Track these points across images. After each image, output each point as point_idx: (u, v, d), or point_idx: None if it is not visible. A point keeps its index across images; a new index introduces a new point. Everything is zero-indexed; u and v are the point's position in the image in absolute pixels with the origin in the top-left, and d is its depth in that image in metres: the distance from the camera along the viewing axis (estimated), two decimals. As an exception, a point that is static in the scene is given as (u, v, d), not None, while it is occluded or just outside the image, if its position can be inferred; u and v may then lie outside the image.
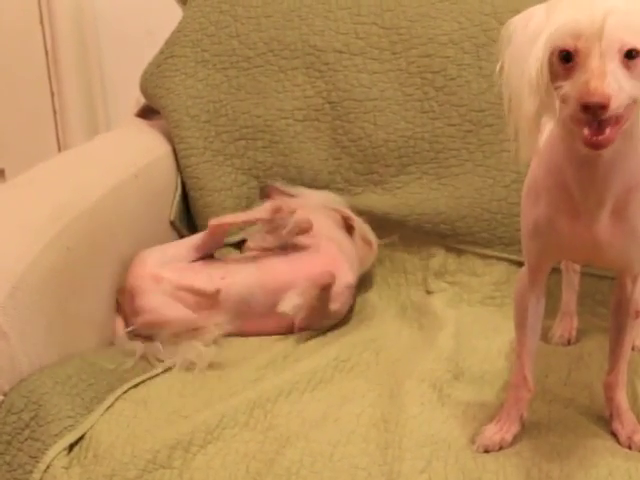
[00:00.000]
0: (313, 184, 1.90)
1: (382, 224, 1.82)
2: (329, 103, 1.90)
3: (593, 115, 0.98)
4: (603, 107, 0.97)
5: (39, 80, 2.44)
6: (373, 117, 1.86)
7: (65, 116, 2.44)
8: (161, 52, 2.01)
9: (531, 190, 1.18)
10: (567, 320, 1.57)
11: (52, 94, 2.45)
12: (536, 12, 1.07)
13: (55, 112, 2.46)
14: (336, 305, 1.64)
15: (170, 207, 1.89)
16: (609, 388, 1.25)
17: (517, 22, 1.08)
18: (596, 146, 1.01)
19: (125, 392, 1.41)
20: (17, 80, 2.46)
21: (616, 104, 0.98)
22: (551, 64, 1.03)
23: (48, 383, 1.36)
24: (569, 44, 1.01)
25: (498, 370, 1.42)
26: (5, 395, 1.34)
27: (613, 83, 0.98)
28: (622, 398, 1.24)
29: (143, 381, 1.45)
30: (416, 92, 1.85)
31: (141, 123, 2.07)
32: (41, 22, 2.39)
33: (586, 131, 1.00)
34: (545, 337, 1.54)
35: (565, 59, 1.02)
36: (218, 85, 1.96)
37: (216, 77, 1.96)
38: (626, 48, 1.00)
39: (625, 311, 1.23)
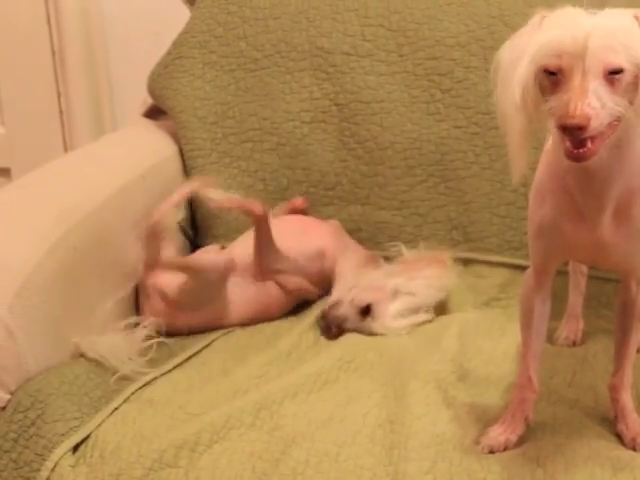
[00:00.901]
0: (320, 186, 1.90)
1: (395, 235, 1.83)
2: (336, 105, 1.90)
3: (571, 135, 1.00)
4: (581, 128, 0.99)
5: (46, 80, 2.45)
6: (380, 119, 1.86)
7: (72, 116, 2.44)
8: (169, 53, 2.01)
9: (537, 192, 1.19)
10: (573, 322, 1.58)
11: (59, 94, 2.45)
12: (520, 36, 1.09)
13: (62, 112, 2.47)
14: (304, 263, 1.71)
15: (176, 208, 1.89)
16: (614, 390, 1.26)
17: (506, 45, 1.10)
18: (577, 159, 1.02)
19: (132, 393, 1.41)
20: (24, 80, 2.46)
21: (596, 124, 0.99)
22: (540, 79, 1.04)
23: (55, 383, 1.36)
24: (552, 63, 1.02)
25: (503, 371, 1.42)
26: (12, 394, 1.35)
27: (594, 102, 0.99)
28: (627, 400, 1.25)
29: (149, 382, 1.46)
30: (423, 94, 1.85)
31: (148, 124, 2.07)
32: (48, 22, 2.40)
33: (567, 144, 1.02)
34: (550, 338, 1.54)
35: (551, 74, 1.03)
36: (226, 87, 1.96)
37: (224, 79, 1.96)
38: (609, 68, 1.01)
39: (630, 313, 1.24)
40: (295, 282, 1.72)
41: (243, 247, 1.72)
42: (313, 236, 1.75)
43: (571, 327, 1.57)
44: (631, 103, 1.02)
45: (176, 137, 1.98)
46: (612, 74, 1.01)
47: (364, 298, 1.63)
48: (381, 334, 1.60)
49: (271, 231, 1.68)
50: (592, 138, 1.01)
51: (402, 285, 1.65)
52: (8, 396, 1.34)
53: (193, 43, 1.98)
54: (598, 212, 1.11)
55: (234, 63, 1.96)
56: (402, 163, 1.84)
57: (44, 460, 1.28)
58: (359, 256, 1.79)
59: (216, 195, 1.68)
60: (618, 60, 1.01)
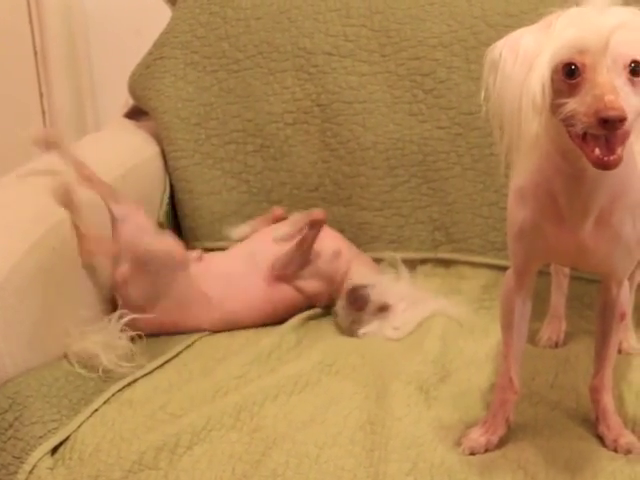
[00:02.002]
0: (303, 187, 1.90)
1: (377, 235, 1.83)
2: (318, 106, 1.90)
3: (611, 129, 0.97)
4: (621, 120, 0.97)
5: (28, 80, 2.43)
6: (362, 119, 1.86)
7: (54, 117, 2.43)
8: (150, 53, 2.00)
9: (517, 194, 1.18)
10: (555, 323, 1.57)
11: (41, 94, 2.44)
12: (524, 35, 1.06)
13: (44, 112, 2.45)
14: (322, 265, 1.69)
15: (158, 209, 1.88)
16: (595, 391, 1.25)
17: (504, 47, 1.07)
18: (607, 166, 1.00)
19: (113, 395, 1.41)
20: (6, 80, 2.45)
21: (630, 118, 0.98)
22: (552, 82, 1.02)
23: (34, 385, 1.35)
24: (576, 59, 1.00)
25: (485, 372, 1.42)
26: (-11, 395, 1.34)
27: (624, 98, 0.98)
28: (608, 401, 1.24)
29: (129, 383, 1.45)
30: (405, 94, 1.85)
31: (129, 124, 2.07)
32: (30, 22, 2.39)
33: (597, 151, 0.99)
34: (533, 340, 1.54)
35: (569, 75, 1.01)
36: (208, 88, 1.95)
37: (206, 79, 1.96)
38: (630, 59, 1.00)
39: (611, 314, 1.23)
40: (314, 286, 1.71)
41: (262, 246, 1.71)
42: (327, 239, 1.73)
43: (553, 328, 1.57)
44: None
45: (158, 138, 1.97)
46: (633, 74, 1.00)
47: (386, 298, 1.63)
48: (383, 334, 1.60)
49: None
50: (619, 142, 0.99)
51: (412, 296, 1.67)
52: (-15, 397, 1.33)
53: (175, 43, 1.97)
54: (581, 217, 1.11)
55: (216, 64, 1.96)
56: (384, 164, 1.84)
57: (22, 463, 1.27)
58: (368, 258, 1.80)
59: (282, 233, 1.68)
60: (639, 55, 1.00)
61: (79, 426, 1.32)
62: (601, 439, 1.23)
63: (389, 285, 1.68)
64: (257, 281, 1.69)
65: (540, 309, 1.55)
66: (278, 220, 1.82)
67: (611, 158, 0.99)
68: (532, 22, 1.75)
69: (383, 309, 1.63)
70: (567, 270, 1.59)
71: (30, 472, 1.26)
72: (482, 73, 1.09)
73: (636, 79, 1.00)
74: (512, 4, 1.82)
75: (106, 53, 2.42)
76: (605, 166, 1.00)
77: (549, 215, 1.13)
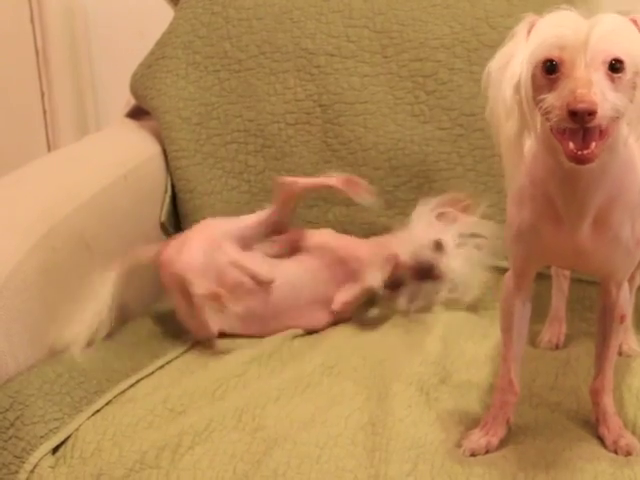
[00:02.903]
0: (304, 187, 1.90)
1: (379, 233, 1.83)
2: (320, 106, 1.90)
3: (580, 122, 0.98)
4: (590, 113, 0.97)
5: (29, 80, 2.43)
6: (363, 120, 1.86)
7: (55, 116, 2.43)
8: (152, 53, 2.00)
9: (516, 196, 1.18)
10: (556, 325, 1.57)
11: (42, 94, 2.44)
12: (513, 39, 1.07)
13: (45, 112, 2.45)
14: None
15: (159, 208, 1.88)
16: (595, 393, 1.25)
17: (497, 55, 1.08)
18: (581, 160, 1.01)
19: (115, 396, 1.41)
20: (7, 80, 2.45)
21: (602, 112, 0.98)
22: (534, 78, 1.03)
23: (35, 383, 1.35)
24: (555, 55, 1.01)
25: (485, 374, 1.42)
26: (-9, 395, 1.34)
27: (599, 93, 0.98)
28: (608, 403, 1.25)
29: (132, 384, 1.45)
30: (407, 96, 1.85)
31: (131, 124, 2.07)
32: (32, 21, 2.39)
33: (571, 145, 1.00)
34: (533, 342, 1.54)
35: (549, 71, 1.02)
36: (210, 87, 1.95)
37: (208, 79, 1.96)
38: (610, 58, 1.00)
39: (610, 316, 1.24)
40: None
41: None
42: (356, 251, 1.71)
43: (554, 330, 1.57)
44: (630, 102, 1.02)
45: (159, 137, 1.97)
46: (613, 71, 1.00)
47: (431, 236, 1.63)
48: (456, 272, 1.61)
49: None
50: (595, 137, 1.00)
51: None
52: (-14, 396, 1.33)
53: (177, 43, 1.97)
54: (578, 219, 1.11)
55: (218, 64, 1.96)
56: (386, 164, 1.84)
57: (23, 462, 1.27)
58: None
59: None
60: (619, 51, 1.00)
61: (80, 424, 1.33)
62: (601, 441, 1.23)
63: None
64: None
65: (541, 311, 1.55)
66: None
67: (585, 152, 1.00)
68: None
69: (438, 247, 1.63)
70: (567, 272, 1.59)
71: (31, 471, 1.26)
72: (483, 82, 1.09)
73: (616, 75, 1.01)
74: (514, 6, 1.82)
75: (107, 52, 2.43)
76: (578, 160, 1.01)
77: (547, 217, 1.13)
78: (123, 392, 1.42)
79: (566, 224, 1.12)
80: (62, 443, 1.30)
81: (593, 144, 1.00)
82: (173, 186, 1.93)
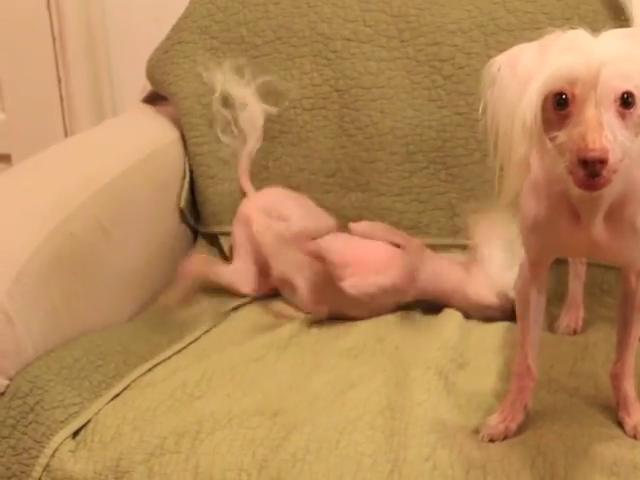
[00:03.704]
0: (320, 173, 1.89)
1: (396, 221, 1.82)
2: (336, 91, 1.90)
3: (591, 169, 0.97)
4: (602, 162, 0.96)
5: (46, 66, 2.43)
6: (380, 105, 1.85)
7: (72, 102, 2.43)
8: (168, 38, 2.00)
9: (531, 188, 1.17)
10: (573, 311, 1.57)
11: (59, 80, 2.44)
12: (524, 53, 1.05)
13: (62, 98, 2.45)
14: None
15: (177, 194, 1.88)
16: (616, 378, 1.25)
17: (503, 62, 1.06)
18: (592, 188, 0.99)
19: (133, 380, 1.41)
20: (24, 66, 2.45)
21: (613, 159, 0.96)
22: (543, 110, 1.02)
23: (54, 368, 1.36)
24: (566, 89, 0.99)
25: (503, 360, 1.42)
26: (11, 380, 1.34)
27: (609, 135, 0.97)
28: (629, 388, 1.24)
29: (150, 369, 1.46)
30: (424, 80, 1.85)
31: (147, 109, 2.06)
32: (48, 8, 2.38)
33: (581, 174, 0.98)
34: (551, 327, 1.54)
35: (559, 105, 1.00)
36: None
37: (225, 65, 1.96)
38: (621, 92, 0.98)
39: (631, 305, 1.23)
40: None
41: None
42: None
43: (572, 316, 1.56)
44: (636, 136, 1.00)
45: (177, 123, 1.97)
46: (624, 106, 0.99)
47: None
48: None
49: None
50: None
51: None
52: (7, 382, 1.34)
53: (193, 28, 1.97)
54: (592, 214, 1.11)
55: (236, 49, 1.95)
56: (403, 149, 1.83)
57: (43, 447, 1.27)
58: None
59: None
60: (630, 85, 0.98)
61: (100, 409, 1.33)
62: (621, 426, 1.23)
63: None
64: None
65: (559, 295, 1.55)
66: None
67: (595, 180, 0.98)
68: (551, 7, 1.76)
69: None
70: (584, 259, 1.58)
71: (52, 456, 1.27)
72: (481, 86, 1.08)
73: (627, 111, 0.99)
74: (531, -10, 1.81)
75: (123, 38, 2.42)
76: (589, 188, 0.99)
77: (562, 213, 1.13)
78: (142, 376, 1.43)
79: (582, 219, 1.12)
80: (82, 427, 1.31)
81: (604, 172, 0.98)
82: (191, 172, 1.93)
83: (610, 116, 0.98)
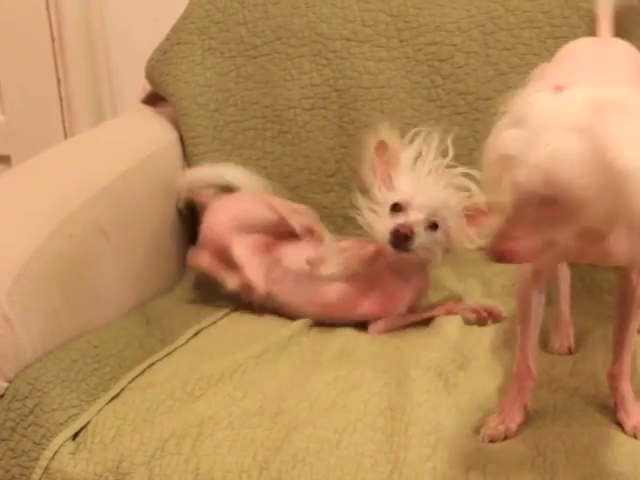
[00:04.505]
0: (320, 173, 1.89)
1: None
2: (336, 91, 1.90)
3: None
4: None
5: (45, 67, 2.43)
6: (380, 105, 1.85)
7: (71, 103, 2.43)
8: (167, 39, 2.00)
9: None
10: (564, 329, 1.52)
11: (58, 81, 2.44)
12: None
13: (61, 99, 2.45)
14: None
15: (176, 195, 1.88)
16: (613, 378, 1.25)
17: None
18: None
19: (130, 382, 1.41)
20: (23, 67, 2.45)
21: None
22: None
23: (52, 370, 1.36)
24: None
25: (503, 360, 1.42)
26: (10, 382, 1.34)
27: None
28: (627, 388, 1.24)
29: (149, 366, 1.46)
30: (423, 80, 1.85)
31: (147, 110, 2.07)
32: (47, 8, 2.38)
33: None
34: (545, 347, 1.50)
35: None
36: (226, 74, 1.95)
37: (224, 65, 1.96)
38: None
39: (630, 301, 1.23)
40: None
41: None
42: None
43: (564, 334, 1.52)
44: None
45: (176, 124, 1.97)
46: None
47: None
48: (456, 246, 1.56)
49: None
50: None
51: None
52: (6, 384, 1.34)
53: (192, 29, 1.97)
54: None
55: (234, 50, 1.96)
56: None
57: (43, 449, 1.28)
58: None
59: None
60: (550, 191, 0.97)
61: (100, 410, 1.33)
62: (620, 426, 1.22)
63: None
64: None
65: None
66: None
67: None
68: (550, 6, 1.75)
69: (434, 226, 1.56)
70: (568, 276, 1.55)
71: (52, 458, 1.27)
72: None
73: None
74: (531, -11, 1.81)
75: (122, 39, 2.42)
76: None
77: None
78: (142, 377, 1.43)
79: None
80: (82, 429, 1.31)
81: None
82: (190, 172, 1.93)
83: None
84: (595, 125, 0.96)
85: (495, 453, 1.17)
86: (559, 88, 1.02)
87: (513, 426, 1.22)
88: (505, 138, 1.02)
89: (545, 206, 0.98)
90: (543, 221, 0.99)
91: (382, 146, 1.58)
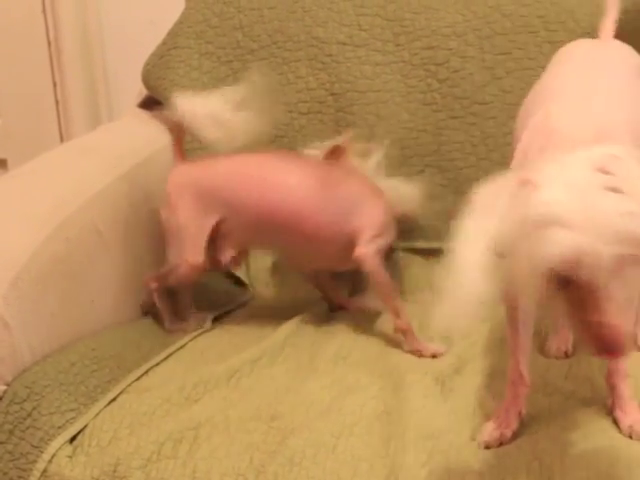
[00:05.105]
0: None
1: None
2: (332, 95, 1.90)
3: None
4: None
5: (41, 70, 2.44)
6: (376, 109, 1.86)
7: (67, 106, 2.43)
8: (164, 43, 2.00)
9: None
10: (563, 331, 1.53)
11: (54, 84, 2.44)
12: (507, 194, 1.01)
13: (57, 102, 2.46)
14: None
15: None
16: (611, 376, 1.24)
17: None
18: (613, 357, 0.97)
19: (128, 385, 1.42)
20: (19, 70, 2.46)
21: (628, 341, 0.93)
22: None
23: (50, 373, 1.37)
24: (571, 274, 0.91)
25: (500, 365, 1.42)
26: (8, 385, 1.35)
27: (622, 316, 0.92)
28: (624, 386, 1.24)
29: (145, 372, 1.46)
30: (419, 84, 1.85)
31: (143, 114, 2.06)
32: (44, 12, 2.39)
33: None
34: (542, 350, 1.50)
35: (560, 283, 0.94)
36: (223, 78, 1.95)
37: (221, 70, 1.96)
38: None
39: None
40: None
41: None
42: None
43: (561, 337, 1.51)
44: None
45: (172, 127, 1.97)
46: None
47: None
48: None
49: None
50: None
51: None
52: (4, 387, 1.34)
53: (189, 33, 1.97)
54: None
55: (231, 54, 1.95)
56: (398, 153, 1.84)
57: (40, 452, 1.28)
58: None
59: None
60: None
61: (97, 413, 1.34)
62: (616, 425, 1.22)
63: None
64: None
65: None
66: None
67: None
68: (546, 11, 1.76)
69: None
70: None
71: (49, 461, 1.28)
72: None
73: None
74: (526, -7, 1.81)
75: (119, 43, 2.42)
76: (611, 357, 0.97)
77: None
78: (139, 380, 1.44)
79: None
80: (79, 432, 1.31)
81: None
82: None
83: (616, 286, 0.89)
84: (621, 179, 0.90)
85: (491, 458, 1.17)
86: (525, 182, 0.97)
87: (508, 432, 1.23)
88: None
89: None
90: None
91: (337, 150, 1.61)
